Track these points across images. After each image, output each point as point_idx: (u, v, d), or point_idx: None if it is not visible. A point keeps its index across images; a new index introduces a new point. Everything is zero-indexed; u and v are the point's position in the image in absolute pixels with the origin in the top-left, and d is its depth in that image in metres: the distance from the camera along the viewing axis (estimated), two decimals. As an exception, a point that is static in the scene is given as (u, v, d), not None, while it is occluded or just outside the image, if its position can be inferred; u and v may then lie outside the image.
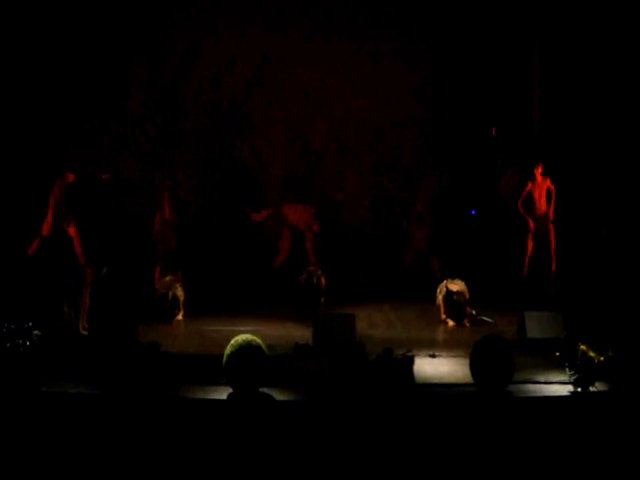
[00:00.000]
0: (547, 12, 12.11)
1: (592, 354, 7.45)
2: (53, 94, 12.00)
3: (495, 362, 7.37)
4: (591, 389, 7.40)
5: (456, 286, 10.50)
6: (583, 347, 7.49)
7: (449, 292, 10.51)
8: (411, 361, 7.46)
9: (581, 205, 11.81)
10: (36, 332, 7.45)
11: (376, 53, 13.03)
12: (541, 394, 7.42)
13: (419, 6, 12.76)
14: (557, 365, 7.74)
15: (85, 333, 9.29)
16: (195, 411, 7.00)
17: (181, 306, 10.68)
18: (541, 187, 11.38)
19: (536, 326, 8.88)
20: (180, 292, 10.70)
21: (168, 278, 10.83)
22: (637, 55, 11.42)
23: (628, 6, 11.38)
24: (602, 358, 7.46)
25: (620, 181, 11.51)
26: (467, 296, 10.49)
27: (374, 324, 10.41)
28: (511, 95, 12.56)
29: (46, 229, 10.15)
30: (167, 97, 12.86)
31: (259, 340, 7.33)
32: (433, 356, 8.57)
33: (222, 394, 7.23)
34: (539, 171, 11.30)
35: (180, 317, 10.65)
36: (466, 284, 10.55)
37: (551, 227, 11.28)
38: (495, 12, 12.47)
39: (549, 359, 7.99)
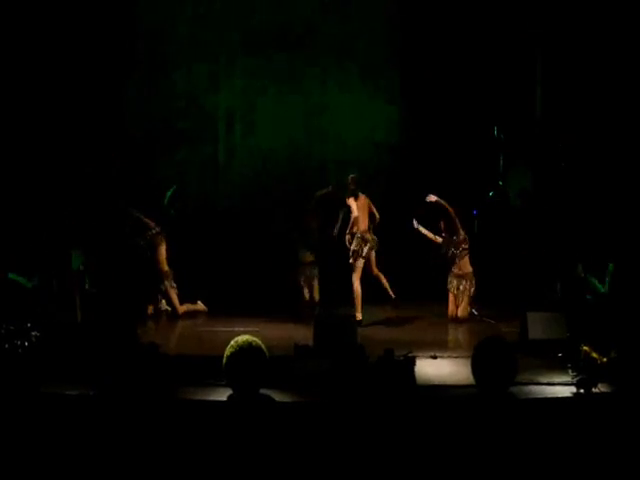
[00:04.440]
0: (550, 11, 12.06)
1: (595, 355, 7.41)
2: (51, 95, 11.95)
3: (497, 363, 7.33)
4: (594, 390, 7.36)
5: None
6: (586, 348, 7.45)
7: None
8: (412, 362, 7.42)
9: (582, 204, 11.76)
10: (35, 333, 7.42)
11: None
12: (543, 395, 7.38)
13: (421, 3, 12.74)
14: (559, 366, 7.71)
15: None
16: (195, 412, 6.96)
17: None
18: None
19: (538, 327, 8.85)
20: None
21: None
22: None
23: (630, 5, 11.35)
24: (605, 359, 7.42)
25: (622, 181, 11.46)
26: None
27: (375, 325, 10.39)
28: (513, 95, 12.51)
29: None
30: (166, 96, 12.85)
31: (259, 341, 7.30)
32: (434, 357, 8.53)
33: (222, 395, 7.20)
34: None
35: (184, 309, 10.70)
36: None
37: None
38: (497, 11, 12.43)
39: (551, 360, 7.96)
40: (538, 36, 12.40)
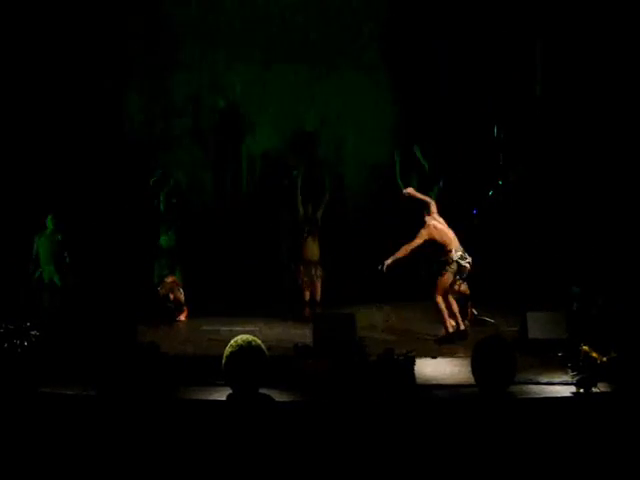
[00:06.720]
0: (550, 9, 12.05)
1: (594, 355, 7.40)
2: (49, 96, 11.95)
3: (497, 363, 7.33)
4: (593, 390, 7.36)
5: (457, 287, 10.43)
6: (586, 348, 7.44)
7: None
8: (412, 362, 7.41)
9: (582, 204, 11.75)
10: (34, 332, 7.41)
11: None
12: (543, 395, 7.38)
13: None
14: (559, 366, 7.70)
15: None
16: (194, 412, 6.96)
17: (183, 307, 10.72)
18: None
19: (538, 327, 8.85)
20: (179, 293, 10.71)
21: (170, 279, 10.79)
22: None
23: (631, 4, 11.34)
24: (605, 359, 7.42)
25: (623, 180, 11.45)
26: (468, 295, 10.45)
27: (374, 324, 10.37)
28: (513, 93, 12.50)
29: None
30: (166, 97, 12.86)
31: (259, 340, 7.29)
32: (434, 357, 8.53)
33: (221, 395, 7.19)
34: None
35: (183, 318, 10.68)
36: (467, 284, 10.51)
37: None
38: (498, 9, 12.42)
39: (551, 360, 7.96)
40: (538, 34, 12.39)
